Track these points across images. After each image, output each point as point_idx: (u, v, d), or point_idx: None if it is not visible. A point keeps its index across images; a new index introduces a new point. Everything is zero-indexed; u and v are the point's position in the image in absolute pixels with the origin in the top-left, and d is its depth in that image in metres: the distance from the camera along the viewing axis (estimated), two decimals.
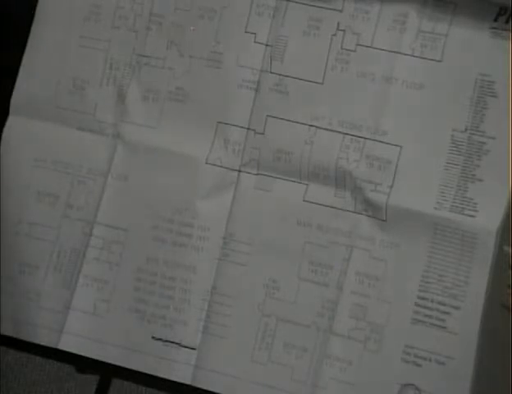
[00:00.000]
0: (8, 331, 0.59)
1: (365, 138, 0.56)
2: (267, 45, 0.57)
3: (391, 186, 0.55)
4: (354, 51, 0.56)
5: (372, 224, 0.55)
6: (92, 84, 0.60)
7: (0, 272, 0.59)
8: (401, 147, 0.55)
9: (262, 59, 0.57)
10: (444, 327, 0.54)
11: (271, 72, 0.57)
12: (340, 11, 0.56)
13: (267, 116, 0.57)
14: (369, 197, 0.55)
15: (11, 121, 0.60)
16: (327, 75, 0.56)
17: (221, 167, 0.57)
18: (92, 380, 0.59)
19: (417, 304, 0.54)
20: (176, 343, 0.57)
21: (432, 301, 0.54)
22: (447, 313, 0.54)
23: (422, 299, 0.54)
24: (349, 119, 0.56)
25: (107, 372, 0.58)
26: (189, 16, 0.59)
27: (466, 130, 0.54)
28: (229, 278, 0.57)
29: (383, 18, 0.56)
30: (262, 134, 0.57)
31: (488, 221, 0.53)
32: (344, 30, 0.56)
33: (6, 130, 0.60)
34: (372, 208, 0.55)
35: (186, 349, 0.57)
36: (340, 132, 0.56)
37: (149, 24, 0.59)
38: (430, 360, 0.54)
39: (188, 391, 0.57)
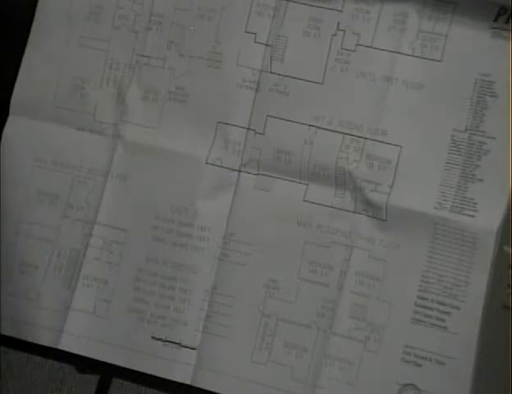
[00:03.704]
0: (8, 331, 0.59)
1: (365, 138, 0.56)
2: (267, 45, 0.57)
3: (391, 186, 0.55)
4: (354, 51, 0.56)
5: (372, 224, 0.55)
6: (92, 84, 0.60)
7: (0, 272, 0.59)
8: (401, 147, 0.55)
9: (262, 59, 0.57)
10: (444, 327, 0.54)
11: (271, 72, 0.57)
12: (340, 11, 0.56)
13: (267, 116, 0.57)
14: (369, 197, 0.55)
15: (11, 121, 0.60)
16: (327, 75, 0.56)
17: (221, 167, 0.57)
18: (92, 380, 0.59)
19: (417, 304, 0.54)
20: (176, 343, 0.57)
21: (432, 301, 0.54)
22: (447, 313, 0.54)
23: (422, 299, 0.54)
24: (349, 119, 0.56)
25: (107, 372, 0.58)
26: (189, 16, 0.58)
27: (466, 130, 0.54)
28: (229, 278, 0.57)
29: (383, 18, 0.56)
30: (263, 134, 0.57)
31: (488, 221, 0.53)
32: (344, 30, 0.56)
33: (6, 130, 0.60)
34: (372, 208, 0.55)
35: (186, 349, 0.57)
36: (340, 132, 0.56)
37: (149, 24, 0.59)
38: (430, 360, 0.54)
39: (188, 391, 0.57)
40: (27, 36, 0.61)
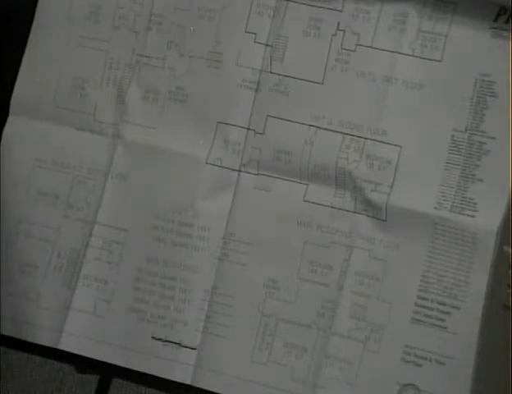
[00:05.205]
0: (8, 331, 0.59)
1: (365, 138, 0.56)
2: (267, 45, 0.57)
3: (391, 186, 0.55)
4: (354, 51, 0.56)
5: (372, 224, 0.55)
6: (92, 84, 0.60)
7: (0, 272, 0.59)
8: (401, 147, 0.55)
9: (262, 59, 0.57)
10: (444, 327, 0.54)
11: (271, 72, 0.57)
12: (340, 11, 0.56)
13: (267, 116, 0.57)
14: (369, 197, 0.55)
15: (11, 121, 0.60)
16: (327, 75, 0.56)
17: (221, 167, 0.57)
18: (92, 380, 0.59)
19: (417, 304, 0.54)
20: (176, 343, 0.57)
21: (432, 301, 0.54)
22: (447, 313, 0.54)
23: (422, 299, 0.54)
24: (349, 119, 0.56)
25: (107, 372, 0.58)
26: (189, 16, 0.59)
27: (466, 130, 0.54)
28: (229, 278, 0.57)
29: (383, 18, 0.56)
30: (263, 134, 0.57)
31: (488, 221, 0.53)
32: (344, 30, 0.56)
33: (6, 130, 0.60)
34: (372, 208, 0.55)
35: (186, 349, 0.57)
36: (340, 132, 0.56)
37: (149, 24, 0.59)
38: (430, 360, 0.54)
39: (188, 391, 0.57)
40: (27, 36, 0.61)
